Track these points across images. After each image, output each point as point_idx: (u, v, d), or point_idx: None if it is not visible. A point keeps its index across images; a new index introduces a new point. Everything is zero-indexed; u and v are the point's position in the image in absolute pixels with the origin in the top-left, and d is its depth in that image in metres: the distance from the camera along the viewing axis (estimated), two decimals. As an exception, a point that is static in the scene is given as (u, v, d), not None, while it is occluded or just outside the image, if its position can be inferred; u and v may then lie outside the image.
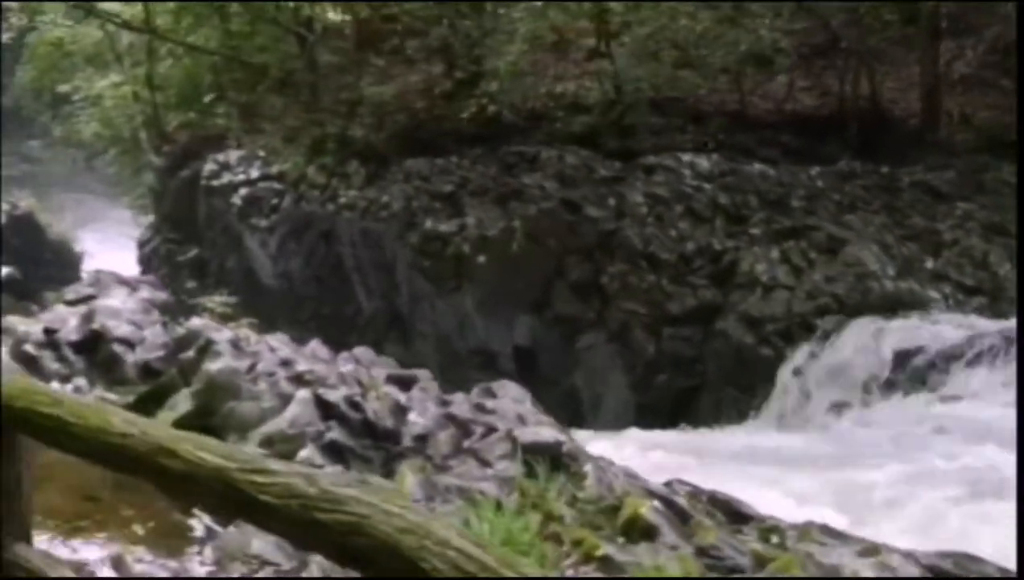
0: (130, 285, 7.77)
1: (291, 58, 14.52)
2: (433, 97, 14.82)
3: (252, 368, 4.98)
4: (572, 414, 10.38)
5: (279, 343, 5.58)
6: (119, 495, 4.42)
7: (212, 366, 5.01)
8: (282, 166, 13.49)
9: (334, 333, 13.44)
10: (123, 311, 6.14)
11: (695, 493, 4.74)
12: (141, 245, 16.88)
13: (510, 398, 5.42)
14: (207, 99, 17.24)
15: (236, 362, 5.00)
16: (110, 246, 19.91)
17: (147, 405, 4.97)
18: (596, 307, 11.15)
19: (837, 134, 13.05)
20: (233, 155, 15.08)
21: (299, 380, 4.90)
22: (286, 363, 5.07)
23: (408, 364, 9.41)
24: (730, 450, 7.24)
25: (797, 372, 9.18)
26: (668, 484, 4.71)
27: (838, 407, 8.47)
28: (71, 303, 6.71)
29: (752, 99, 14.04)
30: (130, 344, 5.76)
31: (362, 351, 6.18)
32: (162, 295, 7.35)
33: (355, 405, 4.68)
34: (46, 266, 17.23)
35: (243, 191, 14.50)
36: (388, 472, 4.37)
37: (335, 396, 4.72)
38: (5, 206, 18.38)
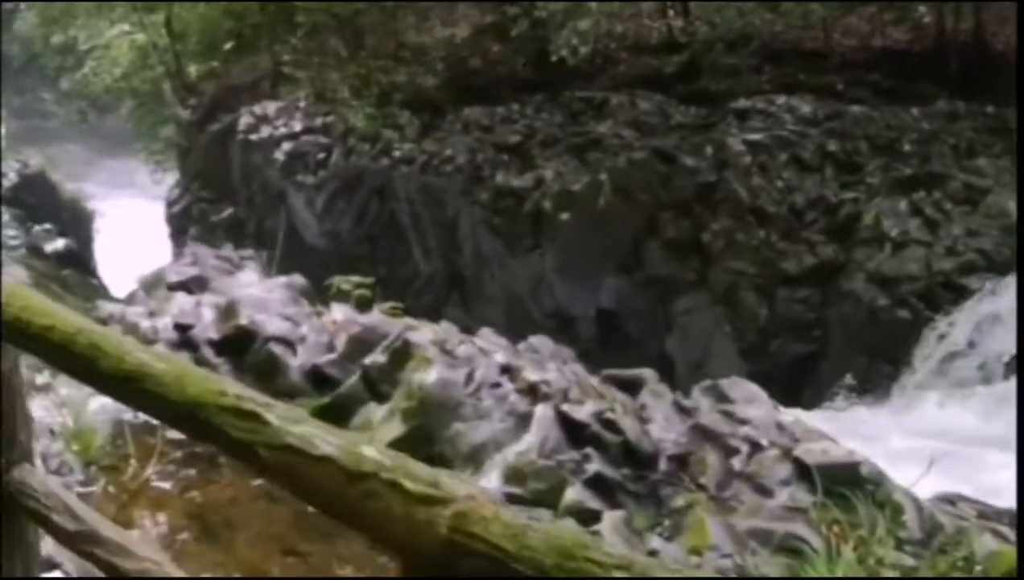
0: (232, 262, 6.82)
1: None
2: (486, 40, 13.76)
3: (470, 378, 4.05)
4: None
5: (489, 343, 4.66)
6: (326, 547, 3.56)
7: (426, 378, 4.05)
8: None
9: (390, 296, 12.56)
10: (269, 301, 5.20)
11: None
12: (170, 204, 15.81)
13: (744, 399, 4.58)
14: (227, 46, 16.09)
15: (451, 372, 4.06)
16: (114, 201, 18.76)
17: (325, 422, 4.08)
18: (696, 267, 10.27)
19: (932, 71, 12.09)
20: (271, 107, 13.99)
21: (532, 393, 3.98)
22: (508, 370, 4.14)
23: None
24: (957, 432, 6.41)
25: (943, 337, 8.37)
26: (977, 506, 3.89)
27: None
28: (175, 287, 5.74)
29: (833, 36, 13.06)
30: (288, 343, 4.81)
31: (540, 341, 5.26)
32: (299, 280, 6.36)
33: (609, 424, 3.79)
34: (65, 227, 16.14)
35: (286, 146, 13.45)
36: (660, 510, 3.53)
37: (583, 413, 3.82)
38: (15, 164, 17.21)
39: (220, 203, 15.00)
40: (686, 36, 13.06)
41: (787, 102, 10.92)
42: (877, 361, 8.81)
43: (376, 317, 5.18)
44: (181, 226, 15.57)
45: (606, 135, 11.75)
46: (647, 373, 4.85)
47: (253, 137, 13.76)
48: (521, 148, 12.18)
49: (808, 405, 9.18)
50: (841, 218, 9.67)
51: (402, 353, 4.45)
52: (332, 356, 4.67)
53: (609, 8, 13.88)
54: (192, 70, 16.30)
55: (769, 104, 11.11)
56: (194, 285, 5.75)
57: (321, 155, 13.34)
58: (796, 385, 9.46)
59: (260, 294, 5.39)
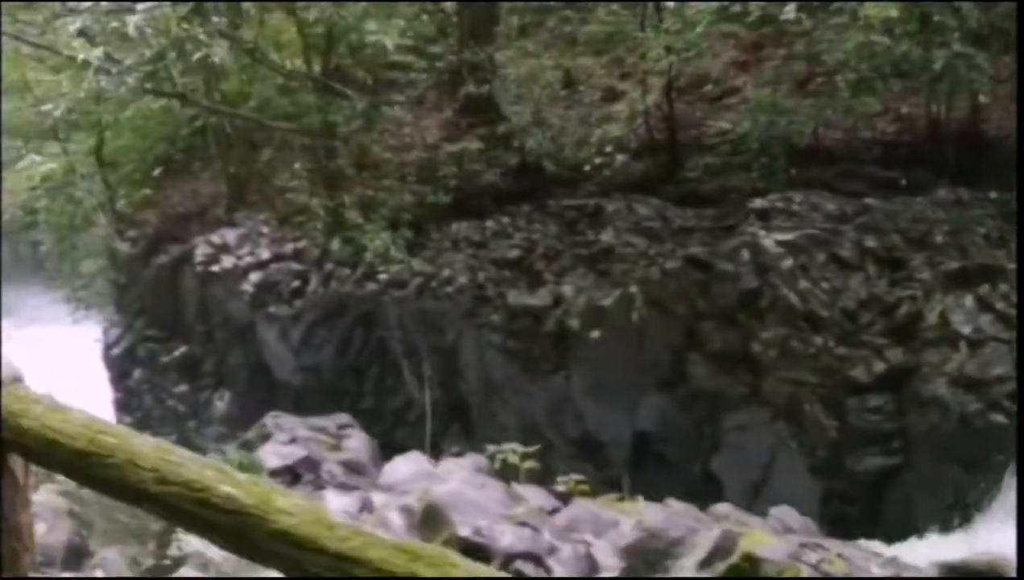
0: (328, 432, 5.65)
1: (304, 116, 12.40)
2: (462, 151, 13.01)
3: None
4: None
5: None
6: None
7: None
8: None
9: (378, 430, 11.42)
10: (482, 501, 4.08)
11: None
12: (108, 346, 14.23)
13: None
14: (157, 172, 14.85)
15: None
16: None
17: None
18: (747, 380, 9.56)
19: (927, 160, 11.95)
20: (230, 234, 12.80)
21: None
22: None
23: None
24: None
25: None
26: None
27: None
28: (280, 473, 4.57)
29: (817, 130, 12.86)
30: (538, 560, 3.69)
31: (784, 513, 4.36)
32: (483, 462, 5.22)
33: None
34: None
35: (254, 276, 12.26)
36: None
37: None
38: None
39: (171, 341, 13.58)
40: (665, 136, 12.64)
41: (807, 199, 10.49)
42: (972, 472, 8.20)
43: (647, 513, 4.16)
44: (124, 369, 14.03)
45: (615, 244, 11.08)
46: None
47: (214, 268, 12.52)
48: (523, 263, 11.38)
49: (896, 525, 8.50)
50: (901, 318, 9.15)
51: (742, 569, 3.47)
52: (610, 576, 3.61)
53: (576, 114, 13.44)
54: (123, 200, 14.94)
55: (789, 202, 10.65)
56: (303, 468, 4.63)
57: (295, 283, 12.20)
58: (878, 502, 8.76)
59: (465, 490, 4.29)
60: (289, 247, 12.40)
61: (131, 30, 10.59)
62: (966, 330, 8.67)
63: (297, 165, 12.82)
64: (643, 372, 9.99)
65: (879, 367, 8.85)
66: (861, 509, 8.78)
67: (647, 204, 11.67)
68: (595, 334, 9.93)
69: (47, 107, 12.88)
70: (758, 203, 10.70)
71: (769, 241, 9.96)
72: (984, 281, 9.05)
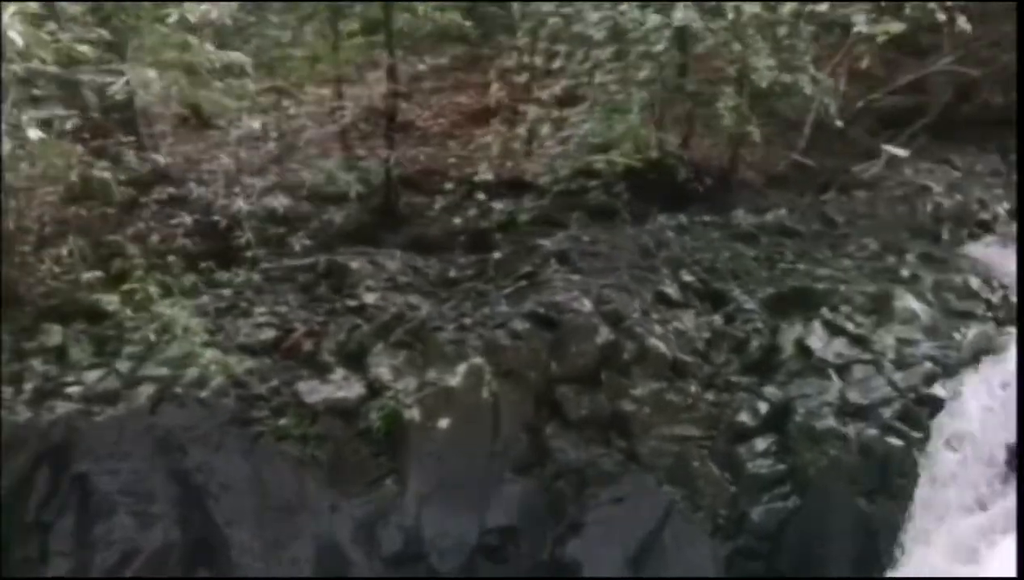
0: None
1: None
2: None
3: None
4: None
5: None
6: None
7: None
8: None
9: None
10: None
11: None
12: None
13: None
14: None
15: None
16: None
17: None
18: (619, 445, 8.46)
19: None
20: None
21: None
22: None
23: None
24: None
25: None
26: None
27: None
28: None
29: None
30: None
31: None
32: None
33: None
34: None
35: None
36: None
37: None
38: None
39: None
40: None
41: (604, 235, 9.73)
42: (878, 500, 8.12)
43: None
44: None
45: (381, 306, 9.23)
46: None
47: None
48: (283, 346, 8.93)
49: (806, 569, 8.13)
50: (755, 353, 8.80)
51: None
52: None
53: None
54: None
55: (577, 241, 9.79)
56: None
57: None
58: (782, 552, 8.28)
59: None
60: None
61: None
62: (828, 357, 8.57)
63: None
64: (495, 458, 8.34)
65: (762, 407, 8.37)
66: (767, 563, 8.24)
67: (392, 257, 9.99)
68: (443, 423, 8.03)
69: None
70: (547, 243, 9.65)
71: (595, 285, 8.97)
72: (812, 306, 9.08)
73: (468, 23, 11.76)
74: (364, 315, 9.11)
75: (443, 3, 11.61)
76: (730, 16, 7.65)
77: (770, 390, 8.49)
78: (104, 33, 7.52)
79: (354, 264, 9.74)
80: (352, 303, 9.26)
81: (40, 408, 8.30)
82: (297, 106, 11.22)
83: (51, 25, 5.48)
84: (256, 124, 10.00)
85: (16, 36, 5.20)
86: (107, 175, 8.71)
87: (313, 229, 10.57)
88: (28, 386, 8.41)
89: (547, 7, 9.27)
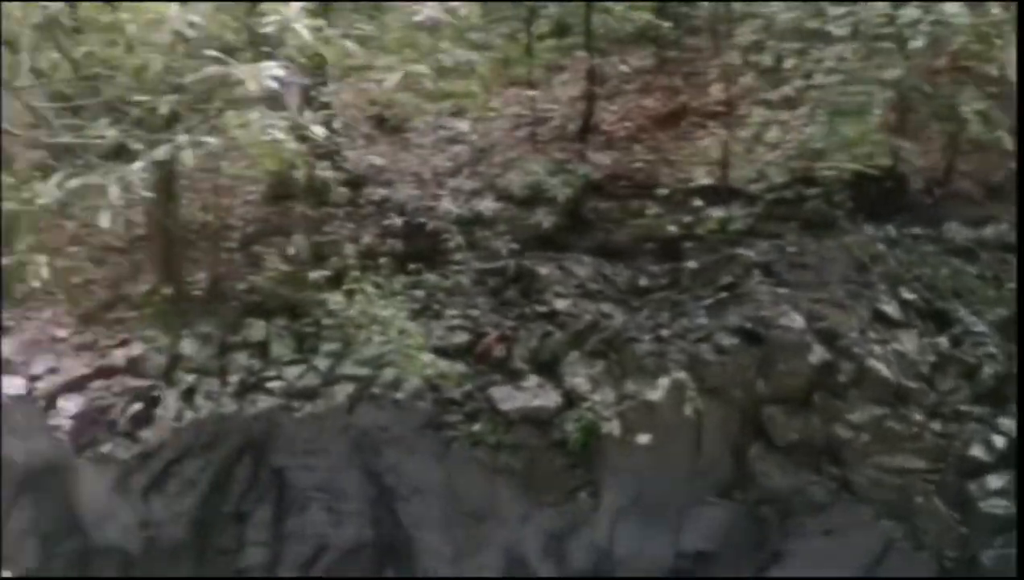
0: None
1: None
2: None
3: None
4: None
5: None
6: None
7: None
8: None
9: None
10: None
11: None
12: None
13: None
14: None
15: None
16: None
17: None
18: (831, 472, 7.83)
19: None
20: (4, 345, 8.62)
21: None
22: None
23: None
24: None
25: None
26: None
27: None
28: None
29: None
30: None
31: None
32: None
33: None
34: None
35: (68, 402, 8.28)
36: None
37: None
38: None
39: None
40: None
41: (814, 245, 9.07)
42: None
43: None
44: None
45: (573, 313, 8.87)
46: None
47: (-7, 398, 8.30)
48: (470, 350, 8.74)
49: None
50: (987, 379, 7.98)
51: None
52: None
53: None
54: None
55: (782, 252, 9.16)
56: None
57: (136, 407, 8.43)
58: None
59: None
60: (119, 354, 8.56)
61: None
62: (1079, 388, 7.64)
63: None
64: (696, 478, 7.88)
65: (998, 441, 7.55)
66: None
67: (580, 262, 9.58)
68: (643, 438, 7.63)
69: None
70: (752, 254, 9.05)
71: (805, 299, 8.34)
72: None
73: (666, 23, 11.27)
74: (555, 322, 8.82)
75: (638, 3, 11.18)
76: (994, 11, 6.84)
77: (1005, 422, 7.66)
78: (369, 29, 7.42)
79: (543, 269, 9.43)
80: (542, 309, 8.97)
81: (243, 401, 8.42)
82: (488, 109, 11.04)
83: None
84: (464, 126, 9.83)
85: (302, 30, 5.15)
86: (329, 175, 8.75)
87: (512, 232, 10.33)
88: (233, 379, 8.55)
89: (776, 5, 8.58)
